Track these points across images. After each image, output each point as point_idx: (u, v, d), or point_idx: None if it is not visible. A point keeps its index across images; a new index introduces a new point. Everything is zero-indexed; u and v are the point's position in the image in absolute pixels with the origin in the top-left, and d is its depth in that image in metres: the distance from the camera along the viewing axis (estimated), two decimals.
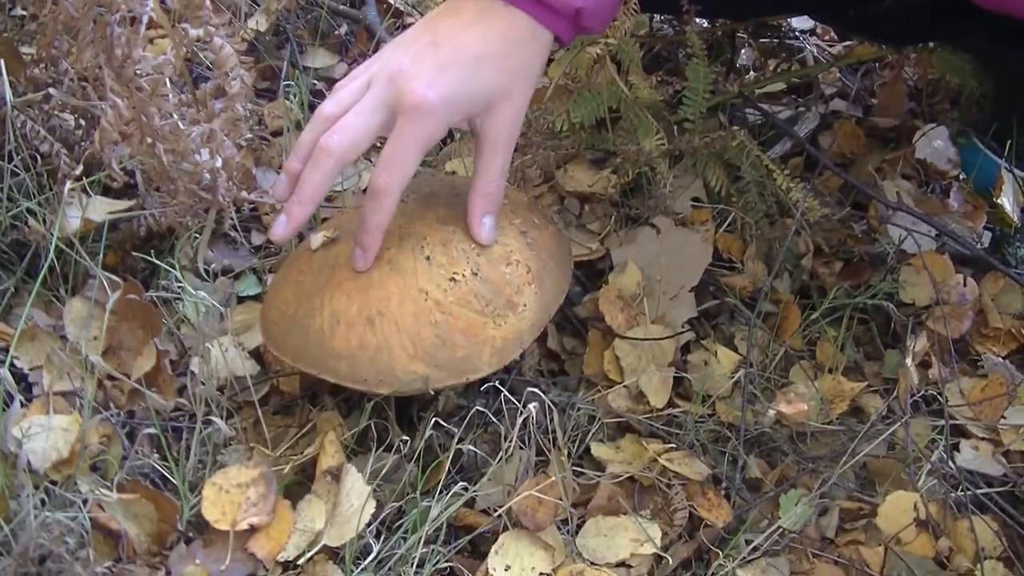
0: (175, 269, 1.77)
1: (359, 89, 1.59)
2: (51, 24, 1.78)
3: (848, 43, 2.70)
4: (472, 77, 1.55)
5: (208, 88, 1.84)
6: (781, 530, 1.67)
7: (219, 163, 1.82)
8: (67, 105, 1.95)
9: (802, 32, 2.68)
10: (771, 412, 1.83)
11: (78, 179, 1.87)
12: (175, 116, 1.78)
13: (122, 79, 1.73)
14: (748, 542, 1.65)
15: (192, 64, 2.25)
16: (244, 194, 1.96)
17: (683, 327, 1.94)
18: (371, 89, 1.57)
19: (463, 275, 1.61)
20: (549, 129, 2.08)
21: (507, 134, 1.62)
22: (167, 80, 1.76)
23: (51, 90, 1.89)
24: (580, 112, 2.03)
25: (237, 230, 1.97)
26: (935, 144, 2.28)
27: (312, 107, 2.36)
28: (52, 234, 1.79)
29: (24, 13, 2.17)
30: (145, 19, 1.72)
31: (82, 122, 2.02)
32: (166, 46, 1.81)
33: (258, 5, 2.61)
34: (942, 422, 1.80)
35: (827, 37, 2.74)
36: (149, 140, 1.78)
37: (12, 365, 1.77)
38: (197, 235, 1.96)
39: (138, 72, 1.75)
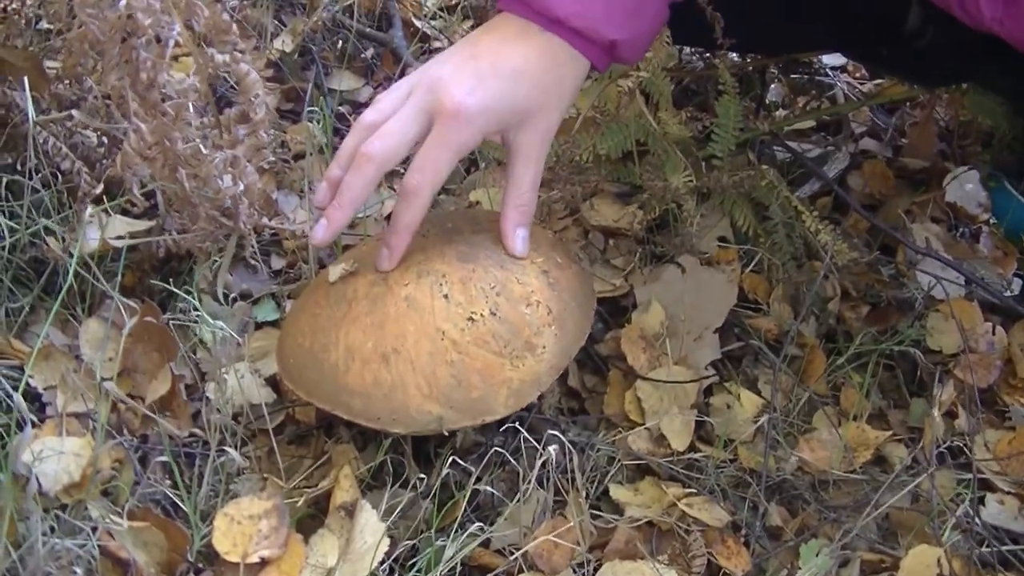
0: (192, 295, 1.75)
1: (400, 98, 1.61)
2: (77, 45, 1.76)
3: (879, 82, 2.67)
4: (510, 89, 1.58)
5: (232, 114, 1.83)
6: None
7: (241, 189, 1.81)
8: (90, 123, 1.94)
9: (833, 69, 2.66)
10: (793, 459, 1.80)
11: (98, 199, 1.85)
12: (198, 141, 1.76)
13: (147, 103, 1.71)
14: None
15: (216, 87, 2.23)
16: (265, 220, 1.94)
17: (706, 369, 1.92)
18: (411, 97, 1.59)
19: (481, 315, 1.59)
20: (575, 162, 2.06)
21: (539, 149, 1.64)
22: (190, 105, 1.74)
23: (74, 112, 1.87)
24: (607, 144, 2.01)
25: (257, 257, 1.95)
26: (966, 187, 2.25)
27: (336, 131, 2.35)
28: (71, 253, 1.78)
29: (50, 27, 2.16)
30: (171, 43, 1.70)
31: (104, 140, 2.01)
32: (190, 65, 1.80)
33: (284, 25, 2.60)
34: (968, 475, 1.76)
35: (858, 75, 2.71)
36: (171, 165, 1.76)
37: (27, 384, 1.75)
38: (217, 259, 1.93)
39: (163, 96, 1.74)
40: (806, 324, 2.00)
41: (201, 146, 1.76)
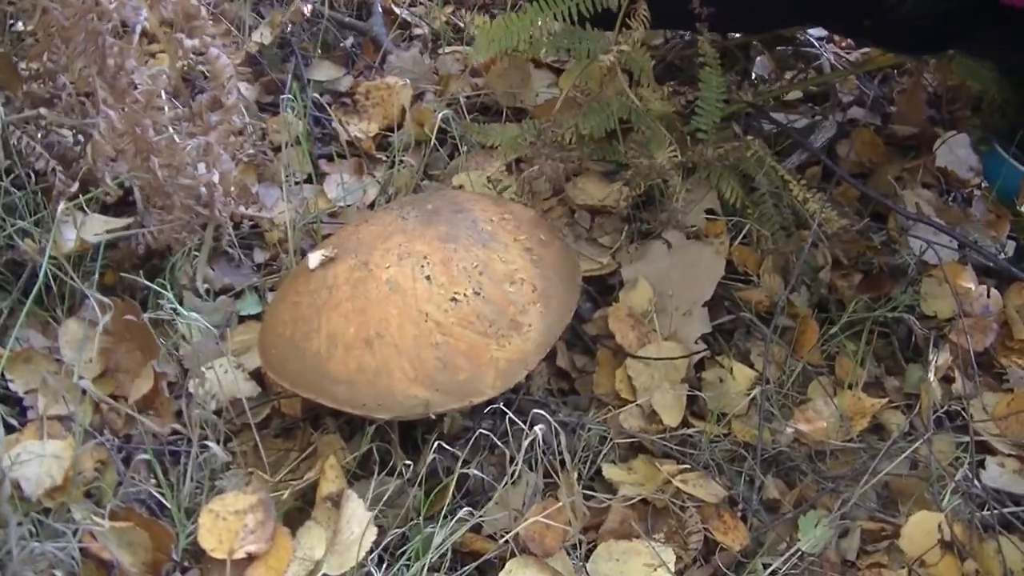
0: (170, 290, 1.71)
1: None
2: (43, 35, 1.73)
3: (866, 51, 2.64)
4: None
5: (204, 100, 1.80)
6: (800, 553, 1.61)
7: (216, 177, 1.78)
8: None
9: (819, 39, 2.62)
10: (789, 430, 1.77)
11: (74, 197, 1.83)
12: (170, 129, 1.73)
13: (116, 90, 1.68)
14: (766, 566, 1.60)
15: (191, 75, 2.20)
16: (242, 209, 1.91)
17: (697, 343, 1.88)
18: None
19: (465, 295, 1.56)
20: (557, 142, 2.02)
21: None
22: (162, 92, 1.71)
23: (42, 110, 1.84)
24: (590, 124, 1.98)
25: (235, 247, 1.92)
26: (956, 152, 2.22)
27: (317, 121, 2.32)
28: (45, 253, 1.75)
29: (23, 28, 2.13)
30: (139, 28, 1.67)
31: (80, 138, 1.98)
32: (166, 59, 1.78)
33: (263, 18, 2.57)
34: (966, 439, 1.73)
35: (844, 44, 2.68)
36: (143, 154, 1.73)
37: (6, 388, 1.73)
38: (196, 252, 1.91)
39: (133, 84, 1.71)
40: (797, 294, 1.97)
41: (174, 134, 1.73)
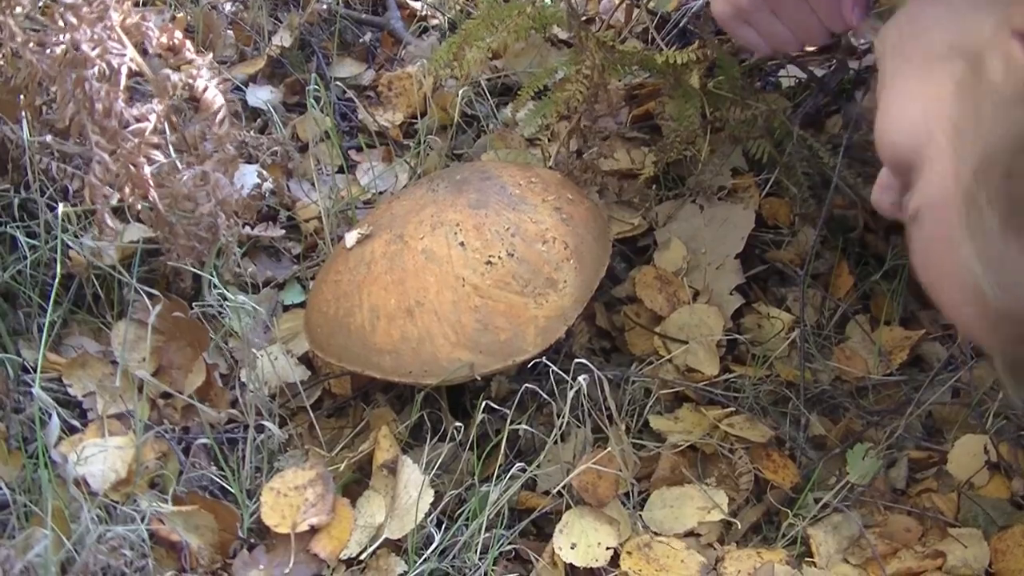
0: (215, 277, 1.75)
1: None
2: (30, 84, 1.76)
3: None
4: None
5: (196, 131, 1.83)
6: (850, 485, 1.63)
7: (214, 204, 1.80)
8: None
9: None
10: (830, 368, 1.80)
11: (114, 210, 1.86)
12: (170, 159, 1.76)
13: (107, 132, 1.70)
14: (817, 500, 1.62)
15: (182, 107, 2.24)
16: (247, 230, 1.95)
17: (732, 295, 1.91)
18: None
19: (499, 257, 1.60)
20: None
21: None
22: (154, 127, 1.74)
23: (48, 137, 1.87)
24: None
25: (240, 267, 1.95)
26: None
27: (343, 116, 2.36)
28: (93, 265, 1.79)
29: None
30: (125, 70, 1.70)
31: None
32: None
33: (281, 22, 2.61)
34: None
35: None
36: (141, 190, 1.76)
37: (65, 393, 1.78)
38: (238, 250, 1.94)
39: (124, 123, 1.73)
40: (832, 252, 1.98)
41: (175, 161, 1.76)
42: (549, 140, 2.08)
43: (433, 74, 2.16)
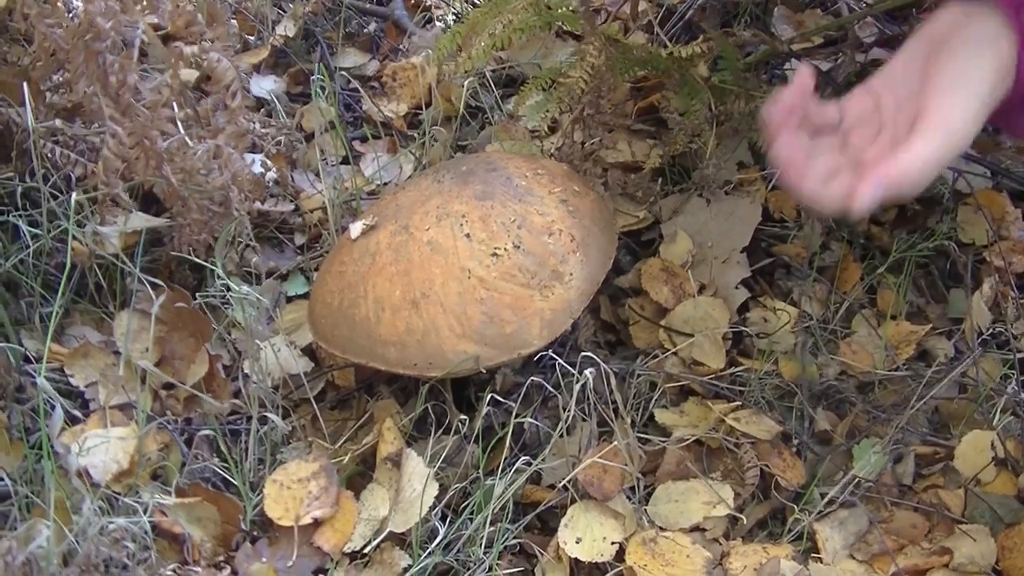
0: (218, 268, 1.74)
1: None
2: (44, 58, 1.75)
3: None
4: None
5: (208, 104, 1.82)
6: (857, 480, 1.62)
7: (228, 178, 1.80)
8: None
9: None
10: (836, 363, 1.79)
11: (113, 201, 1.85)
12: (180, 134, 1.75)
13: (120, 105, 1.70)
14: (823, 495, 1.61)
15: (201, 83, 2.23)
16: (258, 205, 1.94)
17: (737, 288, 1.90)
18: None
19: (505, 249, 1.59)
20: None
21: None
22: (167, 101, 1.73)
23: (57, 121, 1.87)
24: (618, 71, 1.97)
25: (252, 243, 1.94)
26: None
27: (347, 106, 2.35)
28: (96, 254, 1.78)
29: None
30: (137, 43, 1.69)
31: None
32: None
33: (284, 12, 2.60)
34: (1011, 357, 1.74)
35: None
36: (155, 163, 1.75)
37: (68, 383, 1.77)
38: (239, 240, 1.93)
39: (137, 96, 1.72)
40: (839, 245, 1.97)
41: (187, 138, 1.75)
42: (549, 131, 2.07)
43: (437, 65, 2.15)
